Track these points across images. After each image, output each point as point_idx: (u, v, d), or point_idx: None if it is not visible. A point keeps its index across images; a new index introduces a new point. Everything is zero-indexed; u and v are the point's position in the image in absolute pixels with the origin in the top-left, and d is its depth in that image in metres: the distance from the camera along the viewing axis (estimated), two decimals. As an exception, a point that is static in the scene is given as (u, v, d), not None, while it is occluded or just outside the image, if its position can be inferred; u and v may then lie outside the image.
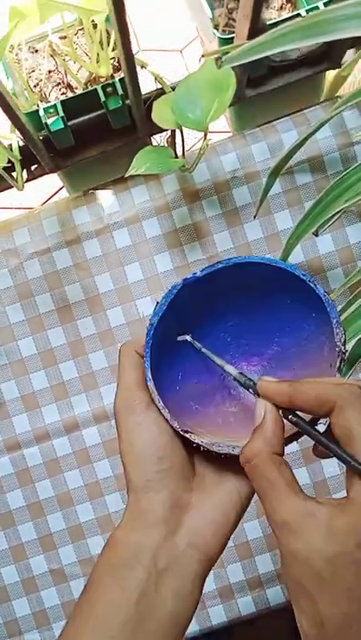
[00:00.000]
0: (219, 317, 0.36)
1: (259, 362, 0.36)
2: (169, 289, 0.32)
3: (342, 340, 0.31)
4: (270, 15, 0.55)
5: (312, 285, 0.31)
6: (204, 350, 0.33)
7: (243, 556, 0.58)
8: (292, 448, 0.57)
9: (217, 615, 0.58)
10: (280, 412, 0.29)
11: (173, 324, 0.33)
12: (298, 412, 0.29)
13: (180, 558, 0.30)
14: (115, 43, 0.52)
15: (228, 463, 0.32)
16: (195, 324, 0.35)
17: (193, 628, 0.58)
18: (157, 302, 0.33)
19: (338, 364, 0.31)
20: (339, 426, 0.27)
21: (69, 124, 0.52)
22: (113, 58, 0.54)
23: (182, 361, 0.35)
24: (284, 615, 0.62)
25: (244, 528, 0.58)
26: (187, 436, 0.30)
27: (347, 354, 0.32)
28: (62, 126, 0.50)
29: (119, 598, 0.29)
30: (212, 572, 0.58)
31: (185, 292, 0.33)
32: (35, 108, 0.51)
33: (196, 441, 0.30)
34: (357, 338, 0.48)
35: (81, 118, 0.53)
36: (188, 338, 0.34)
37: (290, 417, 0.29)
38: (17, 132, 0.49)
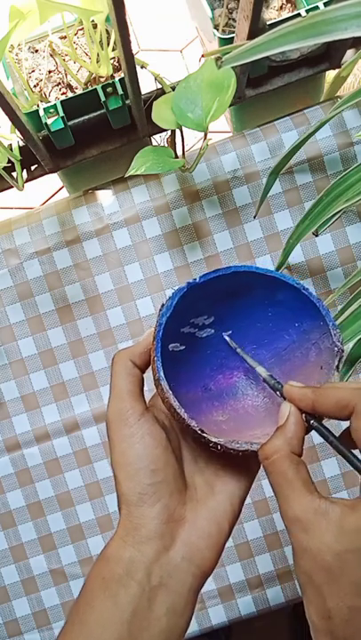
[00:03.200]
0: (201, 327, 0.36)
1: (235, 374, 0.36)
2: (174, 291, 0.33)
3: (341, 340, 0.32)
4: (270, 15, 0.55)
5: (306, 293, 0.33)
6: (238, 351, 0.34)
7: (243, 555, 0.58)
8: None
9: (217, 615, 0.58)
10: (303, 415, 0.30)
11: (168, 329, 0.33)
12: (317, 419, 0.30)
13: (175, 573, 0.30)
14: (115, 43, 0.52)
15: (219, 473, 0.32)
16: (181, 332, 0.35)
17: (193, 628, 0.58)
18: (163, 304, 0.33)
19: (337, 363, 0.31)
20: (358, 429, 0.27)
21: (69, 124, 0.52)
22: (113, 58, 0.54)
23: (173, 369, 0.34)
24: (284, 615, 0.62)
25: (244, 528, 0.58)
26: (204, 435, 0.30)
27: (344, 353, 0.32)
28: (62, 126, 0.50)
29: (111, 615, 0.29)
30: (212, 571, 0.58)
31: (181, 296, 0.33)
32: (35, 108, 0.51)
33: (213, 440, 0.30)
34: (358, 338, 0.48)
35: (81, 118, 0.53)
36: (226, 337, 0.35)
37: (311, 422, 0.30)
38: (17, 132, 0.49)
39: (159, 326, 0.32)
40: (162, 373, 0.31)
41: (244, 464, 0.32)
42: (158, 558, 0.30)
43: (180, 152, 0.52)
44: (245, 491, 0.33)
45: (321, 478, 0.58)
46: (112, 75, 0.53)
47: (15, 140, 0.52)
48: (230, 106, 0.51)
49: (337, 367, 0.31)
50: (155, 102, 0.50)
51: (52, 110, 0.50)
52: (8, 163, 0.52)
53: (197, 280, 0.33)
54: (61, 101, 0.50)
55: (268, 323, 0.36)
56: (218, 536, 0.31)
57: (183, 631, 0.30)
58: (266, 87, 0.56)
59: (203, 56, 0.49)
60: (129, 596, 0.29)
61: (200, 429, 0.30)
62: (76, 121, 0.52)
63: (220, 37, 0.52)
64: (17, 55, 0.55)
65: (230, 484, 0.32)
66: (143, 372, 0.34)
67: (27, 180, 0.56)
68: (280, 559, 0.58)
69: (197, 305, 0.35)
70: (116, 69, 0.54)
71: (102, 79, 0.53)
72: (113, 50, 0.53)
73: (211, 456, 0.33)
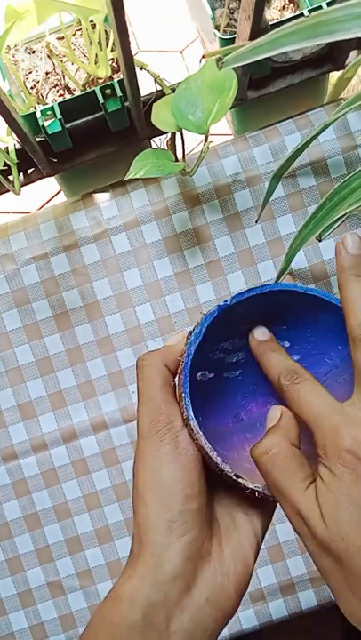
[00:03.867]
0: (231, 351, 0.33)
1: (270, 402, 0.33)
2: (204, 316, 0.30)
3: None
4: (272, 15, 0.54)
5: None
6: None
7: (245, 568, 0.57)
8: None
9: (218, 629, 0.57)
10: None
11: (195, 356, 0.30)
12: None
13: (197, 618, 0.26)
14: (113, 43, 0.51)
15: (240, 503, 0.30)
16: (210, 357, 0.32)
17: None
18: (190, 331, 0.30)
19: None
20: None
21: (67, 126, 0.51)
22: (112, 59, 0.53)
23: (200, 399, 0.32)
24: (287, 628, 0.61)
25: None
26: (240, 481, 0.27)
27: None
28: (60, 129, 0.49)
29: None
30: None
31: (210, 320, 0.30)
32: (32, 110, 0.50)
33: (250, 486, 0.27)
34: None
35: (79, 120, 0.52)
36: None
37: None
38: (13, 135, 0.48)
39: (187, 357, 0.29)
40: (191, 412, 0.28)
41: None
42: (180, 600, 0.26)
43: (180, 155, 0.51)
44: (268, 520, 0.30)
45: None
46: (111, 76, 0.52)
47: (12, 142, 0.51)
48: (232, 108, 0.50)
49: None
50: (154, 104, 0.49)
51: (49, 112, 0.49)
52: (4, 166, 0.51)
53: (228, 302, 0.30)
54: (59, 103, 0.49)
55: (306, 345, 0.33)
56: (243, 574, 0.28)
57: None
58: (268, 89, 0.55)
59: (203, 57, 0.48)
60: None
61: (235, 474, 0.27)
62: (74, 123, 0.51)
63: (221, 38, 0.51)
64: (13, 56, 0.54)
65: (253, 515, 0.30)
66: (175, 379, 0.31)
67: (23, 184, 0.55)
68: (283, 571, 0.57)
69: (227, 328, 0.32)
70: (115, 70, 0.53)
71: (101, 80, 0.52)
72: (112, 51, 0.52)
73: (235, 488, 0.30)
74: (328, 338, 0.32)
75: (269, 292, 0.31)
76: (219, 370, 0.33)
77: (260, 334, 0.32)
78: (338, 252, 0.29)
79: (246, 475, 0.28)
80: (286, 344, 0.34)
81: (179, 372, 0.29)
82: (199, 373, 0.32)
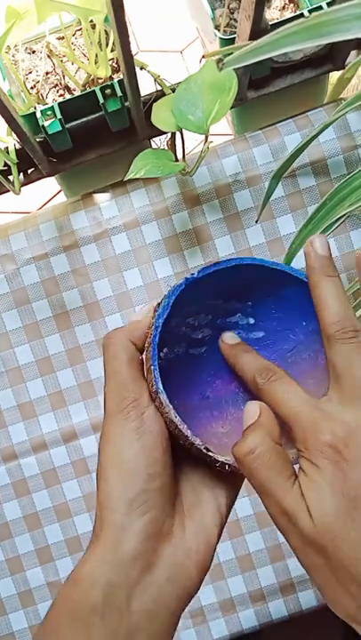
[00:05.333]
0: (197, 327, 0.33)
1: (235, 379, 0.33)
2: (171, 289, 0.29)
3: None
4: (273, 15, 0.54)
5: None
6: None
7: (244, 568, 0.57)
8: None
9: (218, 629, 0.57)
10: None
11: (162, 332, 0.30)
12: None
13: (158, 597, 0.26)
14: (113, 43, 0.51)
15: (205, 479, 0.29)
16: (176, 333, 0.32)
17: (194, 641, 0.57)
18: (158, 303, 0.29)
19: None
20: None
21: (67, 126, 0.51)
22: (112, 59, 0.53)
23: (167, 377, 0.31)
24: (286, 628, 0.61)
25: (245, 540, 0.57)
26: (210, 454, 0.27)
27: None
28: (60, 129, 0.49)
29: None
30: (212, 584, 0.57)
31: (179, 296, 0.30)
32: (32, 110, 0.50)
33: (220, 459, 0.27)
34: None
35: (79, 120, 0.51)
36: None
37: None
38: (13, 135, 0.48)
39: (155, 330, 0.28)
40: (160, 385, 0.27)
41: None
42: (141, 580, 0.26)
43: (180, 155, 0.51)
44: (234, 497, 0.30)
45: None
46: (111, 76, 0.52)
47: (12, 142, 0.51)
48: (232, 108, 0.50)
49: None
50: (154, 104, 0.49)
51: (49, 112, 0.49)
52: (4, 166, 0.51)
53: (196, 275, 0.30)
54: (59, 103, 0.49)
55: (272, 322, 0.33)
56: (206, 552, 0.28)
57: None
58: (268, 89, 0.55)
59: (203, 57, 0.48)
60: (106, 626, 0.25)
61: (205, 447, 0.27)
62: (74, 123, 0.51)
63: (221, 38, 0.51)
64: (14, 56, 0.54)
65: (218, 491, 0.29)
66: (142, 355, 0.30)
67: (23, 184, 0.55)
68: (283, 571, 0.57)
69: (193, 302, 0.31)
70: (115, 70, 0.53)
71: (101, 80, 0.52)
72: (112, 51, 0.52)
73: (201, 463, 0.30)
74: (293, 314, 0.32)
75: (236, 265, 0.30)
76: (185, 346, 0.33)
77: (230, 338, 0.33)
78: (307, 254, 0.29)
79: (219, 452, 0.28)
80: (251, 320, 0.34)
81: (146, 345, 0.29)
82: (165, 349, 0.32)
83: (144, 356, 0.29)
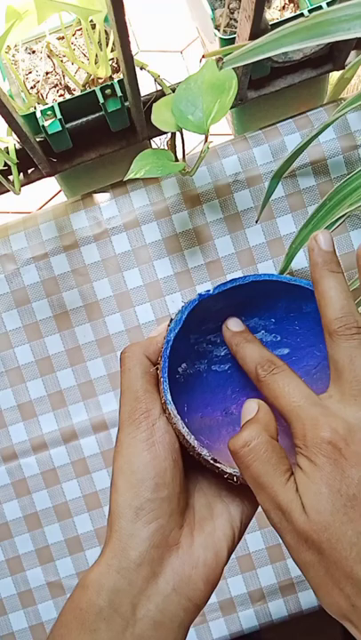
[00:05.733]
0: (220, 344, 0.33)
1: (260, 396, 0.33)
2: (184, 305, 0.30)
3: None
4: (272, 15, 0.54)
5: None
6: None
7: (244, 568, 0.57)
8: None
9: (218, 629, 0.57)
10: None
11: (178, 347, 0.30)
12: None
13: (164, 607, 0.26)
14: (114, 43, 0.51)
15: (222, 494, 0.29)
16: (196, 349, 0.32)
17: (194, 641, 0.57)
18: (171, 319, 0.30)
19: None
20: None
21: (67, 126, 0.51)
22: (112, 59, 0.53)
23: (186, 391, 0.32)
24: (286, 628, 0.61)
25: (245, 540, 0.57)
26: (217, 465, 0.27)
27: None
28: (60, 129, 0.49)
29: None
30: (213, 584, 0.57)
31: (193, 311, 0.30)
32: (32, 110, 0.50)
33: (228, 471, 0.27)
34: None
35: (79, 120, 0.51)
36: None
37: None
38: (13, 135, 0.48)
39: (166, 344, 0.29)
40: (169, 397, 0.28)
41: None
42: (146, 588, 0.26)
43: (180, 155, 0.51)
44: (250, 515, 0.30)
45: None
46: (111, 76, 0.52)
47: (12, 142, 0.51)
48: (232, 108, 0.50)
49: None
50: (154, 104, 0.49)
51: (49, 112, 0.49)
52: (4, 166, 0.51)
53: (211, 292, 0.30)
54: (59, 103, 0.49)
55: (295, 338, 0.32)
56: (214, 565, 0.28)
57: None
58: (268, 89, 0.55)
59: (203, 57, 0.48)
60: (111, 632, 0.25)
61: (213, 458, 0.27)
62: (74, 123, 0.51)
63: (221, 38, 0.51)
64: (13, 56, 0.54)
65: (233, 506, 0.29)
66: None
67: (23, 184, 0.55)
68: (283, 571, 0.57)
69: (214, 319, 0.31)
70: (115, 70, 0.53)
71: (101, 80, 0.52)
72: (112, 50, 0.52)
73: (216, 476, 0.30)
74: (316, 329, 0.32)
75: (253, 282, 0.30)
76: (207, 363, 0.33)
77: (234, 325, 0.32)
78: (311, 249, 0.29)
79: (230, 465, 0.28)
80: (277, 337, 0.33)
81: (159, 359, 0.29)
82: (183, 364, 0.32)
83: (157, 370, 0.30)
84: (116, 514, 0.27)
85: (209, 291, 0.30)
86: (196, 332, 0.32)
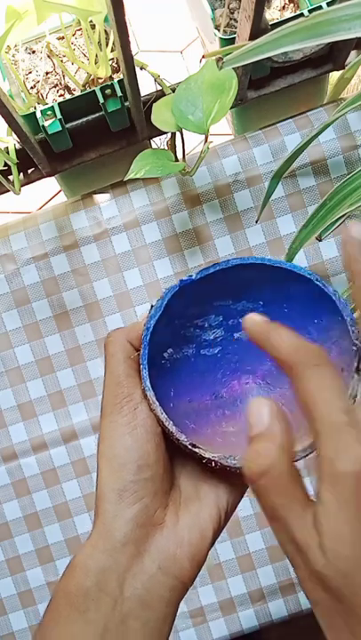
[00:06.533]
0: (208, 328, 0.33)
1: (251, 379, 0.33)
2: (165, 291, 0.30)
3: (360, 338, 0.28)
4: (272, 15, 0.54)
5: (320, 285, 0.29)
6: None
7: (244, 568, 0.57)
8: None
9: (218, 629, 0.57)
10: None
11: (164, 332, 0.30)
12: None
13: (150, 584, 0.26)
14: (113, 43, 0.51)
15: (207, 475, 0.30)
16: (183, 334, 0.32)
17: (194, 641, 0.57)
18: (152, 305, 0.30)
19: (356, 364, 0.28)
20: None
21: (67, 126, 0.51)
22: (112, 59, 0.53)
23: (173, 376, 0.32)
24: (286, 628, 0.61)
25: (245, 540, 0.57)
26: (195, 450, 0.28)
27: None
28: (60, 129, 0.49)
29: (81, 634, 0.25)
30: (212, 584, 0.57)
31: (178, 296, 0.30)
32: (32, 110, 0.50)
33: (207, 456, 0.27)
34: None
35: (79, 121, 0.51)
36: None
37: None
38: (13, 135, 0.48)
39: (146, 330, 0.29)
40: (148, 383, 0.28)
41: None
42: (132, 567, 0.26)
43: (180, 155, 0.51)
44: (237, 497, 0.30)
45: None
46: (111, 76, 0.52)
47: (12, 142, 0.51)
48: (232, 108, 0.50)
49: (357, 369, 0.28)
50: (154, 104, 0.49)
51: (49, 112, 0.49)
52: (4, 166, 0.51)
53: (193, 277, 0.30)
54: (59, 103, 0.49)
55: (285, 321, 0.30)
56: (200, 545, 0.28)
57: None
58: (268, 89, 0.55)
59: (203, 57, 0.48)
60: (100, 612, 0.25)
61: (191, 444, 0.27)
62: (74, 123, 0.51)
63: (221, 38, 0.51)
64: (13, 56, 0.54)
65: (220, 488, 0.29)
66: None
67: (23, 184, 0.55)
68: (283, 571, 0.57)
69: (200, 304, 0.31)
70: (115, 70, 0.53)
71: (101, 80, 0.52)
72: (112, 51, 0.52)
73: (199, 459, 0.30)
74: (304, 312, 0.31)
75: (237, 265, 0.30)
76: (195, 347, 0.33)
77: (258, 317, 0.28)
78: (348, 244, 0.25)
79: (218, 450, 0.28)
80: None
81: (140, 345, 0.30)
82: (170, 349, 0.32)
83: (139, 355, 0.30)
84: (100, 497, 0.28)
85: (191, 276, 0.30)
86: (182, 317, 0.31)
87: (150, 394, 0.28)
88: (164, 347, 0.32)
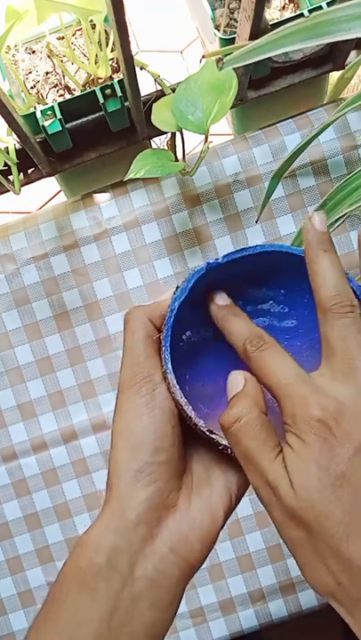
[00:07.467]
0: None
1: None
2: (191, 272, 0.30)
3: None
4: (273, 15, 0.54)
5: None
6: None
7: (244, 568, 0.57)
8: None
9: (218, 629, 0.57)
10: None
11: (183, 315, 0.30)
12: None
13: (160, 566, 0.27)
14: (113, 43, 0.51)
15: (220, 460, 0.30)
16: (202, 318, 0.32)
17: (194, 641, 0.57)
18: (177, 287, 0.30)
19: None
20: None
21: (67, 126, 0.51)
22: (112, 59, 0.53)
23: (189, 359, 0.32)
24: (286, 628, 0.61)
25: (245, 540, 0.57)
26: (213, 437, 0.28)
27: None
28: (60, 129, 0.49)
29: (89, 611, 0.26)
30: (212, 584, 0.57)
31: (202, 279, 0.30)
32: (32, 110, 0.50)
33: (223, 443, 0.28)
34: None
35: (79, 120, 0.51)
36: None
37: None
38: (13, 135, 0.48)
39: (170, 312, 0.29)
40: (170, 366, 0.28)
41: None
42: (144, 547, 0.27)
43: (180, 155, 0.51)
44: (247, 482, 0.30)
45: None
46: (111, 76, 0.52)
47: (12, 142, 0.51)
48: (232, 108, 0.50)
49: None
50: (154, 104, 0.49)
51: (49, 112, 0.49)
52: (4, 166, 0.51)
53: (220, 260, 0.30)
54: (59, 103, 0.49)
55: (303, 310, 0.32)
56: (211, 527, 0.28)
57: (168, 626, 0.27)
58: (268, 89, 0.55)
59: (203, 57, 0.48)
60: (110, 590, 0.26)
61: (208, 430, 0.28)
62: (74, 123, 0.51)
63: (221, 38, 0.51)
64: (13, 56, 0.54)
65: (230, 473, 0.30)
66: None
67: (23, 184, 0.55)
68: (283, 571, 0.57)
69: (223, 288, 0.31)
70: (115, 70, 0.53)
71: (101, 80, 0.52)
72: (112, 51, 0.52)
73: (213, 445, 0.30)
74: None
75: (262, 252, 0.30)
76: (213, 331, 0.33)
77: (220, 299, 0.32)
78: (305, 230, 0.29)
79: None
80: (285, 309, 0.33)
81: (162, 326, 0.30)
82: (188, 332, 0.32)
83: (160, 338, 0.30)
84: (115, 475, 0.28)
85: (218, 259, 0.30)
86: (204, 301, 0.32)
87: (171, 377, 0.28)
88: (183, 329, 0.32)
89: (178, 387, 0.28)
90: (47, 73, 0.54)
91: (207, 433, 0.28)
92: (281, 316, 0.34)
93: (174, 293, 0.30)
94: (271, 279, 0.32)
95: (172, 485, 0.28)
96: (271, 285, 0.33)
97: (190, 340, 0.32)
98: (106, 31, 0.52)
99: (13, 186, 0.52)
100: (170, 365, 0.28)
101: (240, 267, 0.31)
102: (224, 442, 0.28)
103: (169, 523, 0.28)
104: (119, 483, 0.27)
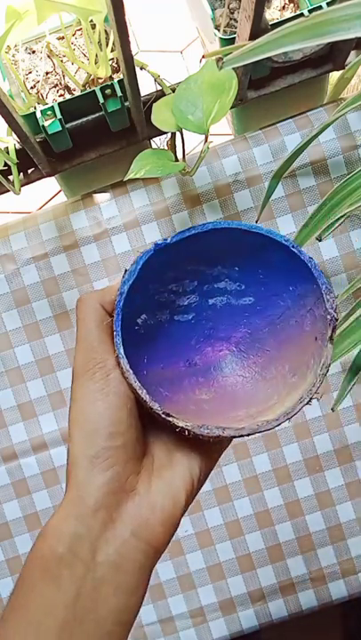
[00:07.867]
0: (182, 293, 0.32)
1: (225, 346, 0.33)
2: (139, 255, 0.29)
3: (334, 306, 0.28)
4: (273, 15, 0.54)
5: (296, 251, 0.29)
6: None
7: (244, 568, 0.57)
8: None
9: (218, 629, 0.57)
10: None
11: (137, 298, 0.30)
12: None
13: (123, 550, 0.27)
14: (113, 43, 0.51)
15: (181, 443, 0.29)
16: (157, 300, 0.32)
17: (194, 641, 0.57)
18: (126, 270, 0.29)
19: (330, 333, 0.28)
20: None
21: (67, 126, 0.51)
22: (112, 59, 0.53)
23: (146, 342, 0.31)
24: (286, 628, 0.61)
25: (245, 540, 0.57)
26: (169, 419, 0.27)
27: (338, 321, 0.29)
28: (60, 129, 0.49)
29: (54, 598, 0.25)
30: (212, 584, 0.57)
31: (152, 261, 0.29)
32: (32, 110, 0.50)
33: (180, 424, 0.27)
34: (362, 346, 0.47)
35: (79, 120, 0.51)
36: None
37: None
38: (13, 135, 0.48)
39: (120, 296, 0.28)
40: (122, 350, 0.27)
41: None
42: (104, 532, 0.27)
43: (180, 155, 0.51)
44: (209, 464, 0.30)
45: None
46: (111, 76, 0.52)
47: (12, 142, 0.51)
48: (232, 108, 0.50)
49: (330, 338, 0.28)
50: (154, 104, 0.49)
51: (49, 112, 0.49)
52: (4, 166, 0.51)
53: (168, 240, 0.29)
54: (59, 103, 0.49)
55: (260, 287, 0.32)
56: (172, 510, 0.28)
57: (135, 611, 0.27)
58: (268, 89, 0.55)
59: (203, 57, 0.48)
60: (73, 577, 0.26)
61: (164, 412, 0.27)
62: (74, 123, 0.51)
63: (221, 38, 0.51)
64: (14, 56, 0.54)
65: (192, 455, 0.29)
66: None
67: (23, 184, 0.55)
68: (283, 571, 0.57)
69: (174, 268, 0.31)
70: (115, 70, 0.53)
71: (101, 80, 0.52)
72: (112, 50, 0.52)
73: (173, 428, 0.30)
74: (279, 278, 0.31)
75: (213, 229, 0.29)
76: (170, 313, 0.32)
77: None
78: None
79: (191, 418, 0.28)
80: (242, 286, 0.33)
81: (113, 311, 0.29)
82: (143, 315, 0.31)
83: (112, 322, 0.29)
84: (72, 464, 0.28)
85: (166, 239, 0.29)
86: (156, 282, 0.31)
87: (124, 361, 0.28)
88: (137, 313, 0.31)
89: (131, 371, 0.28)
90: (47, 73, 0.54)
91: (163, 415, 0.27)
92: (238, 293, 0.33)
93: (123, 277, 0.29)
94: (225, 257, 0.32)
95: (130, 469, 0.28)
96: (225, 264, 0.32)
97: (147, 324, 0.32)
98: (106, 31, 0.52)
99: (13, 186, 0.52)
100: (122, 350, 0.28)
101: (193, 246, 0.30)
102: (181, 424, 0.27)
103: (129, 506, 0.27)
104: (77, 470, 0.27)
